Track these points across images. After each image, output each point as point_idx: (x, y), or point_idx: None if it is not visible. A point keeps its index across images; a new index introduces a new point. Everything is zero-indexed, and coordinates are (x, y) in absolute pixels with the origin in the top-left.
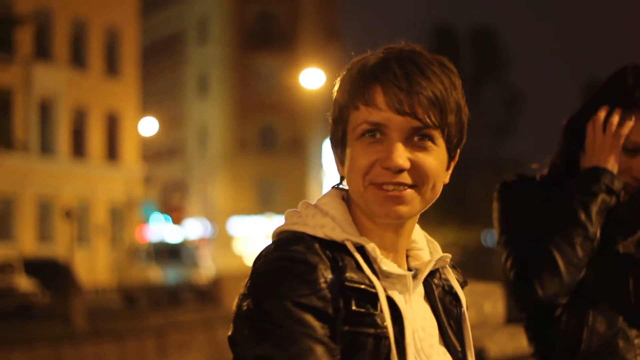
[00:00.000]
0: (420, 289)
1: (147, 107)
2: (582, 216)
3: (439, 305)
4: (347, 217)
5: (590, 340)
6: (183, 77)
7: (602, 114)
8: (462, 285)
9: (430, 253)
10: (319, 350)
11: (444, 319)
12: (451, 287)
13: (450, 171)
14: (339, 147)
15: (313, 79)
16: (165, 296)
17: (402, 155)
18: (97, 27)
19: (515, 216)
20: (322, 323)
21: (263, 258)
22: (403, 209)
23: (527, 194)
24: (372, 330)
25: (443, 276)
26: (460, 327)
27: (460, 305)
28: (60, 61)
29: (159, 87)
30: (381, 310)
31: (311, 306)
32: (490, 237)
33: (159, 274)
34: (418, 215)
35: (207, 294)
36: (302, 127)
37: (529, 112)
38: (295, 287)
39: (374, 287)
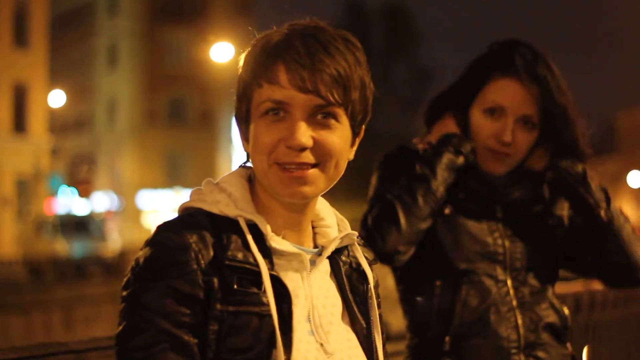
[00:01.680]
0: (326, 266)
1: (55, 78)
2: (426, 170)
3: (345, 283)
4: (245, 194)
5: (462, 314)
6: (92, 49)
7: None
8: (371, 263)
9: (340, 231)
10: (167, 345)
11: (350, 296)
12: (359, 265)
13: (354, 148)
14: (243, 124)
15: (223, 52)
16: (72, 269)
17: (305, 134)
18: None
19: (385, 185)
20: (187, 308)
21: (149, 238)
22: (307, 189)
23: (405, 166)
24: (255, 309)
25: (351, 254)
26: (366, 305)
27: (368, 282)
28: None
29: (68, 58)
30: (265, 289)
31: (177, 290)
32: None
33: (65, 247)
34: (320, 196)
35: (113, 267)
36: (211, 100)
37: (438, 89)
38: (164, 269)
39: (257, 265)
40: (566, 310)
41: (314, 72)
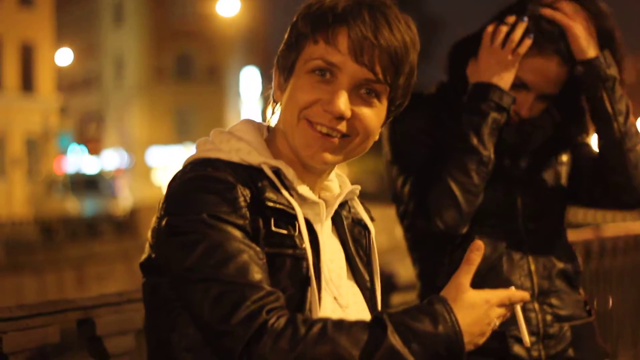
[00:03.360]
0: (329, 222)
1: (62, 37)
2: (475, 140)
3: (348, 236)
4: (262, 143)
5: None
6: (98, 6)
7: (503, 28)
8: (371, 218)
9: (339, 186)
10: (246, 251)
11: (353, 250)
12: (360, 219)
13: (380, 131)
14: (284, 74)
15: (229, 6)
16: (83, 228)
17: (345, 102)
18: None
19: (407, 140)
20: (245, 234)
21: (178, 179)
22: (329, 156)
23: (417, 114)
24: (291, 251)
25: (352, 209)
26: (369, 257)
27: (369, 235)
28: None
29: (74, 16)
30: (299, 232)
31: (231, 221)
32: None
33: (76, 206)
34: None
35: (124, 225)
36: (219, 55)
37: (448, 40)
38: (215, 203)
39: (292, 208)
40: (578, 256)
41: (374, 47)
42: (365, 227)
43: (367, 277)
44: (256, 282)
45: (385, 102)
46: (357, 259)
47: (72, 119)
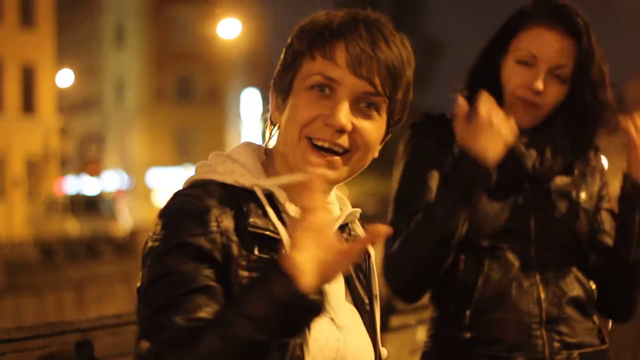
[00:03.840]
0: None
1: (63, 58)
2: (454, 224)
3: None
4: (257, 165)
5: (484, 288)
6: (99, 27)
7: (462, 104)
8: None
9: (340, 208)
10: (200, 295)
11: (353, 273)
12: None
13: (380, 147)
14: (282, 94)
15: (230, 29)
16: (83, 249)
17: (346, 115)
18: None
19: (416, 170)
20: (208, 266)
21: (165, 204)
22: (331, 174)
23: (436, 140)
24: None
25: (352, 232)
26: (369, 281)
27: (369, 258)
28: None
29: (75, 38)
30: None
31: (198, 246)
32: None
33: (76, 227)
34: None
35: (124, 246)
36: (219, 77)
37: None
38: (189, 226)
39: (278, 233)
40: (592, 284)
41: (372, 59)
42: (365, 251)
43: (366, 300)
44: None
45: (384, 116)
46: (357, 282)
47: (72, 140)
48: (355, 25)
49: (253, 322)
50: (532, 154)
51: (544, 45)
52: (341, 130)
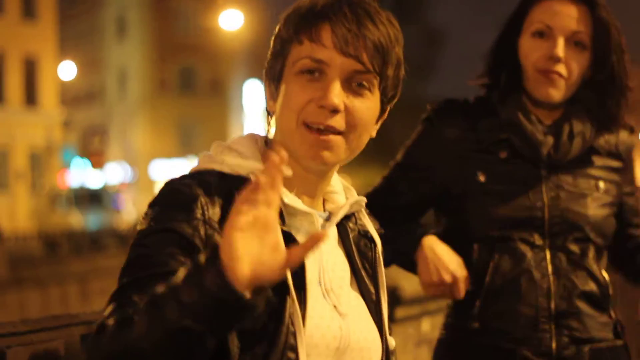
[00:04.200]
0: (334, 232)
1: (65, 50)
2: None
3: (354, 249)
4: (255, 154)
5: (493, 277)
6: (101, 19)
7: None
8: (378, 232)
9: (346, 198)
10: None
11: (359, 263)
12: (366, 231)
13: (378, 126)
14: (274, 82)
15: (232, 20)
16: (87, 242)
17: (338, 96)
18: None
19: (421, 157)
20: (186, 252)
21: (159, 189)
22: (328, 154)
23: (457, 128)
24: None
25: (359, 221)
26: (375, 270)
27: (376, 248)
28: None
29: (77, 30)
30: None
31: (179, 232)
32: None
33: (79, 220)
34: (338, 167)
35: (128, 239)
36: (222, 68)
37: (450, 51)
38: (174, 212)
39: None
40: (606, 276)
41: (358, 38)
42: (371, 240)
43: (372, 290)
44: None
45: (377, 94)
46: (363, 272)
47: (75, 132)
48: (339, 5)
49: (183, 307)
50: (549, 141)
51: (557, 14)
52: (335, 111)
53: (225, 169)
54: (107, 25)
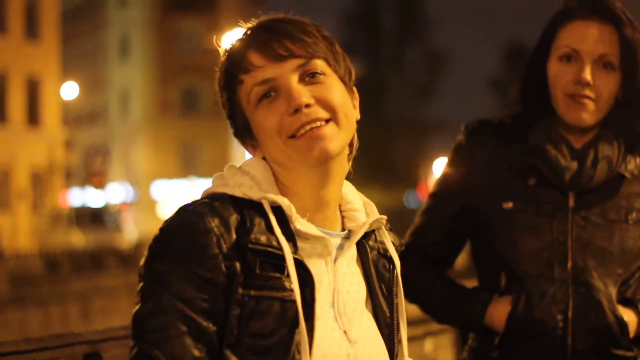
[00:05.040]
0: (353, 251)
1: (68, 70)
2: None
3: (372, 269)
4: (268, 177)
5: (514, 310)
6: (104, 40)
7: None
8: (398, 249)
9: (367, 215)
10: (184, 328)
11: (375, 283)
12: (386, 250)
13: (357, 109)
14: (246, 134)
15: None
16: (88, 261)
17: (303, 93)
18: None
19: (455, 179)
20: (207, 294)
21: (169, 219)
22: (329, 144)
23: (491, 150)
24: (278, 294)
25: (379, 239)
26: (391, 291)
27: (394, 269)
28: None
29: (80, 50)
30: (288, 274)
31: (198, 275)
32: (413, 198)
33: (81, 239)
34: (346, 168)
35: (129, 259)
36: None
37: (451, 74)
38: (185, 252)
39: (281, 249)
40: (627, 317)
41: (281, 39)
42: (390, 260)
43: (387, 313)
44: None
45: (332, 74)
46: (379, 293)
47: (77, 152)
48: (252, 33)
49: None
50: (573, 166)
51: (583, 37)
52: (307, 105)
53: (237, 193)
54: (110, 46)
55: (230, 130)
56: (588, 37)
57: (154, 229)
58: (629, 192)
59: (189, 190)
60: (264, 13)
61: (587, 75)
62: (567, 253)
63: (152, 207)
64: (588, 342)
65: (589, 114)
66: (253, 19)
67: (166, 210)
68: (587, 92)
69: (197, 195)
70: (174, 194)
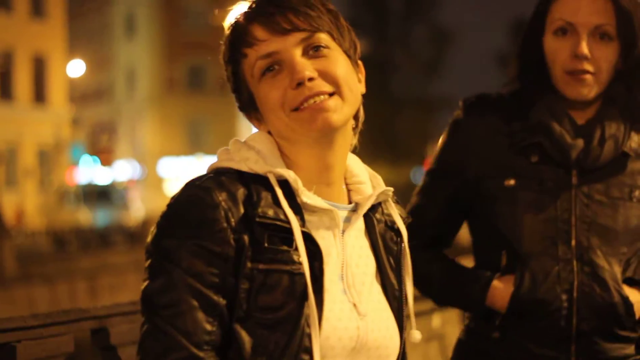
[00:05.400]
0: (360, 224)
1: (74, 48)
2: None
3: (379, 242)
4: (273, 151)
5: (517, 290)
6: (110, 17)
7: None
8: (405, 221)
9: (373, 187)
10: (195, 303)
11: (383, 256)
12: (393, 222)
13: (363, 83)
14: (251, 108)
15: None
16: (95, 238)
17: (306, 66)
18: None
19: (453, 155)
20: (216, 268)
21: (176, 194)
22: (332, 115)
23: (489, 125)
24: (286, 267)
25: (385, 211)
26: (399, 264)
27: (402, 241)
28: None
29: (86, 28)
30: (296, 247)
31: (207, 249)
32: (420, 174)
33: (88, 217)
34: (351, 141)
35: (137, 236)
36: None
37: (457, 51)
38: (193, 227)
39: (289, 222)
40: (633, 297)
41: (285, 13)
42: (397, 233)
43: (396, 285)
44: (196, 334)
45: (335, 46)
46: (387, 265)
47: (84, 130)
48: (255, 7)
49: None
50: (579, 144)
51: (577, 8)
52: (310, 79)
53: (243, 168)
54: (116, 23)
55: (237, 106)
56: (582, 9)
57: (161, 206)
58: (632, 169)
59: (195, 167)
60: None
61: (584, 48)
62: (570, 231)
63: (159, 185)
64: (593, 322)
65: (588, 88)
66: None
67: (173, 187)
68: (586, 66)
69: (204, 172)
70: (181, 171)
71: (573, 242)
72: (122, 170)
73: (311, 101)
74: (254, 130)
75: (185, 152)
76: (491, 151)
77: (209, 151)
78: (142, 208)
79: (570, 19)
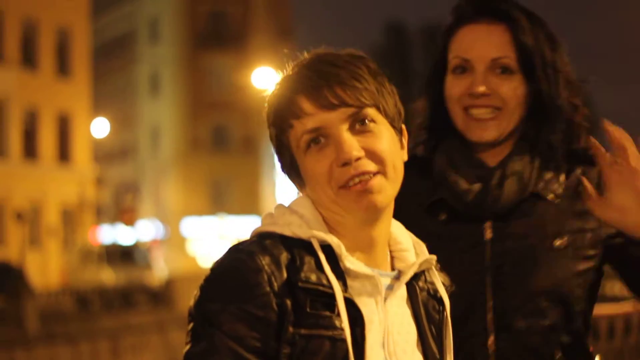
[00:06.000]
0: (403, 292)
1: (98, 107)
2: None
3: (422, 310)
4: (316, 216)
5: None
6: (135, 76)
7: None
8: (448, 290)
9: (417, 254)
10: None
11: (425, 325)
12: (436, 291)
13: (405, 149)
14: (293, 172)
15: (265, 78)
16: (118, 298)
17: (353, 145)
18: (48, 27)
19: None
20: (258, 333)
21: (220, 258)
22: (377, 197)
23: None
24: (328, 333)
25: (428, 279)
26: (440, 333)
27: (444, 310)
28: (10, 62)
29: (111, 87)
30: (338, 313)
31: (250, 313)
32: None
33: (111, 276)
34: (392, 208)
35: (160, 296)
36: (254, 126)
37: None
38: (236, 291)
39: (331, 287)
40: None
41: (332, 87)
42: (440, 302)
43: (437, 355)
44: None
45: (382, 120)
46: (429, 334)
47: (108, 189)
48: (301, 74)
49: None
50: (475, 188)
51: (472, 43)
52: (357, 159)
53: (286, 232)
54: (140, 83)
55: (260, 168)
56: (477, 42)
57: (183, 266)
58: (555, 214)
59: (218, 227)
60: (294, 49)
61: (479, 85)
62: (484, 296)
63: (182, 244)
64: None
65: (491, 129)
66: (306, 53)
67: (196, 247)
68: (487, 101)
69: (227, 232)
70: (204, 231)
71: (488, 307)
72: (145, 230)
73: (357, 180)
74: (277, 191)
75: (208, 211)
76: (405, 218)
77: (232, 211)
78: (165, 268)
79: (466, 55)
